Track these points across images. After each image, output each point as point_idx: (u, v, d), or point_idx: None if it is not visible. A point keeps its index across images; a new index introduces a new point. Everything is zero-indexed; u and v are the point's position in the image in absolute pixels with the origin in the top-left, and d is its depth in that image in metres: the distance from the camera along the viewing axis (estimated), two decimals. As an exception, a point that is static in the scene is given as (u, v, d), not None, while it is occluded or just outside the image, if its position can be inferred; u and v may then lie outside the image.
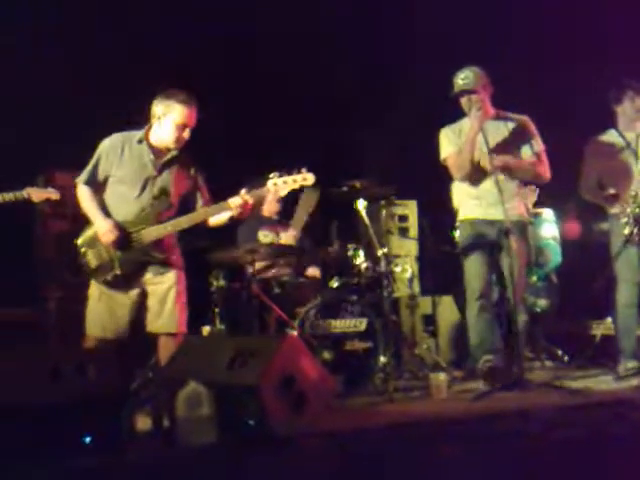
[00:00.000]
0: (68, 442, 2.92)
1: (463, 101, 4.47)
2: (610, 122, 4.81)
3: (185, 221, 3.83)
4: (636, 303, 4.62)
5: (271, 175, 3.81)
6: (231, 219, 3.91)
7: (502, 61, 5.39)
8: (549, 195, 5.66)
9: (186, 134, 3.85)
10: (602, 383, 4.37)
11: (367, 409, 3.95)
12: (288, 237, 5.13)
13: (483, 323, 4.45)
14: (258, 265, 4.65)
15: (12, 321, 4.63)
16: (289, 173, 3.81)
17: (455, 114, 4.59)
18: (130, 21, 5.44)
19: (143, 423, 3.43)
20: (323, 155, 5.90)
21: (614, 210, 4.68)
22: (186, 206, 3.93)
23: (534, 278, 5.53)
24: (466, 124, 4.52)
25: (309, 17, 5.95)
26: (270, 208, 5.23)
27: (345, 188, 4.59)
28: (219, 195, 3.94)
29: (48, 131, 5.05)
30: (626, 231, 4.52)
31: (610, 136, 4.78)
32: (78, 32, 5.29)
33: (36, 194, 4.29)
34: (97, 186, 3.87)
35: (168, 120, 3.81)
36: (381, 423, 3.52)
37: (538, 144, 4.56)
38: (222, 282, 4.78)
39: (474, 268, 4.48)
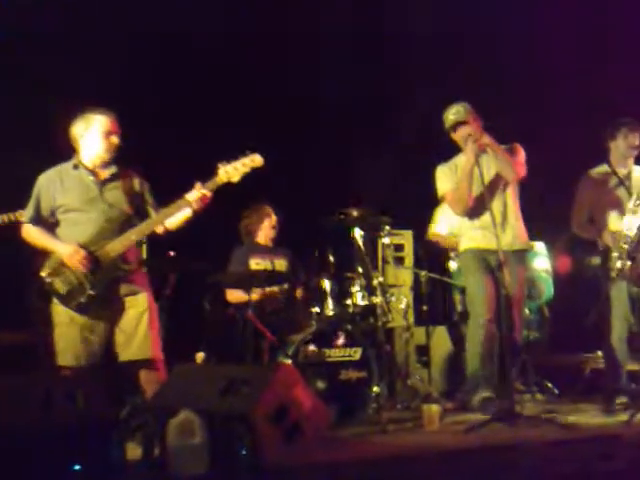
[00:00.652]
0: (58, 471, 2.90)
1: (457, 136, 4.54)
2: (603, 156, 4.87)
3: (146, 227, 3.83)
4: (625, 338, 4.65)
5: (219, 164, 3.81)
6: (192, 215, 3.87)
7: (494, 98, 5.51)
8: (541, 229, 5.72)
9: (114, 140, 3.86)
10: (592, 417, 4.36)
11: (360, 440, 3.94)
12: (281, 264, 5.17)
13: (487, 351, 4.46)
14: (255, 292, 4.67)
15: (8, 344, 4.60)
16: (236, 158, 3.82)
17: (449, 146, 4.66)
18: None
19: (133, 452, 3.39)
20: (318, 184, 5.98)
21: (604, 245, 4.72)
22: (140, 217, 3.91)
23: (526, 311, 5.54)
24: (461, 160, 4.59)
25: (306, 46, 6.02)
26: (265, 234, 5.25)
27: (342, 217, 4.63)
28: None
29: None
30: (618, 265, 4.56)
31: (602, 170, 4.85)
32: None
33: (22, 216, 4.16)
34: (43, 223, 3.86)
35: (92, 134, 3.84)
36: (374, 455, 3.52)
37: (521, 159, 4.61)
38: (215, 307, 4.78)
39: (480, 292, 4.50)
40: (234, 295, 4.93)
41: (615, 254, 4.60)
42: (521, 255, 4.63)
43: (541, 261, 5.69)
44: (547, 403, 5.13)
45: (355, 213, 4.65)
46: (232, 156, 3.82)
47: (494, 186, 4.55)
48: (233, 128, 5.57)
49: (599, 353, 5.50)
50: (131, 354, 3.78)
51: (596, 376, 5.37)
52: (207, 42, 5.77)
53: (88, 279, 3.73)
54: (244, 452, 3.06)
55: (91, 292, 3.73)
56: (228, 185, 3.84)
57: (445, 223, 5.44)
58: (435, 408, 4.18)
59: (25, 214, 3.91)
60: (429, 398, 4.96)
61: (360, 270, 4.81)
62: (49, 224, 3.87)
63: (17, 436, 2.80)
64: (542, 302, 5.69)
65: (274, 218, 5.26)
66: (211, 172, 3.84)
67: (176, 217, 3.89)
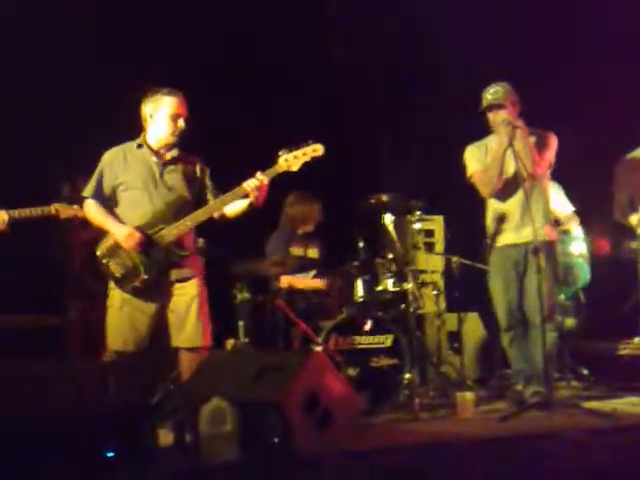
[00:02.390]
0: (92, 457, 2.90)
1: (490, 116, 4.42)
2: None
3: (202, 213, 3.79)
4: None
5: (280, 152, 3.78)
6: (250, 206, 3.84)
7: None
8: (579, 212, 5.61)
9: (181, 124, 3.83)
10: (630, 405, 4.27)
11: (393, 427, 3.91)
12: (314, 252, 5.14)
13: (517, 352, 4.44)
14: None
15: (35, 327, 4.63)
16: (297, 147, 3.79)
17: (480, 130, 4.56)
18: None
19: (165, 438, 3.39)
20: (349, 170, 5.91)
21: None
22: (198, 203, 3.88)
23: (562, 297, 5.44)
24: (492, 141, 4.48)
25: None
26: (305, 228, 5.21)
27: (372, 201, 4.56)
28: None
29: (68, 136, 5.06)
30: None
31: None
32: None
33: (64, 210, 4.20)
34: (104, 199, 3.85)
35: (161, 115, 3.82)
36: (408, 442, 3.48)
37: (549, 153, 4.46)
38: (246, 295, 4.75)
39: (499, 298, 4.47)
40: (287, 281, 4.88)
41: None
42: (548, 248, 4.45)
43: (578, 246, 5.57)
44: (583, 390, 5.04)
45: (385, 198, 4.58)
46: (294, 144, 3.79)
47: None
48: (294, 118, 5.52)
49: (636, 339, 5.39)
50: (181, 341, 3.77)
51: (633, 363, 5.25)
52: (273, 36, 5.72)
53: (143, 263, 3.72)
54: (276, 439, 3.03)
55: (145, 276, 3.71)
56: (287, 173, 3.82)
57: None
58: (469, 396, 4.13)
59: (86, 189, 3.89)
60: (463, 386, 4.89)
61: (390, 256, 4.75)
62: (108, 202, 3.86)
63: (50, 423, 2.80)
64: (578, 287, 5.57)
65: (319, 215, 5.20)
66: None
67: (234, 205, 3.86)
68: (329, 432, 3.11)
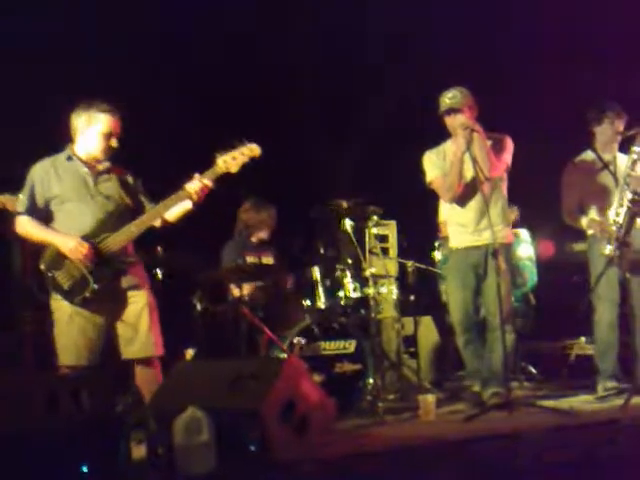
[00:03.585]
0: (65, 472, 2.84)
1: (449, 120, 4.48)
2: (586, 142, 4.86)
3: (147, 217, 3.75)
4: (617, 323, 4.65)
5: (217, 154, 3.76)
6: (192, 207, 3.82)
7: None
8: (525, 215, 5.76)
9: (113, 143, 3.79)
10: (584, 403, 4.38)
11: (361, 432, 3.92)
12: (268, 260, 5.14)
13: (472, 353, 4.52)
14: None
15: None
16: (234, 147, 3.77)
17: (432, 132, 4.62)
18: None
19: (137, 452, 3.32)
20: (299, 175, 5.93)
21: (592, 231, 4.74)
22: (136, 211, 3.84)
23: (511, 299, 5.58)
24: (449, 146, 4.56)
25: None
26: (260, 236, 5.19)
27: (331, 207, 4.59)
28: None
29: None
30: (607, 251, 4.56)
31: (588, 157, 4.84)
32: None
33: (11, 203, 3.95)
34: (39, 213, 3.76)
35: (93, 131, 3.76)
36: (377, 447, 3.50)
37: (506, 156, 4.57)
38: (206, 304, 4.71)
39: (457, 300, 4.54)
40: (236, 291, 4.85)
41: (604, 240, 4.58)
42: (505, 250, 4.53)
43: (525, 248, 5.72)
44: (535, 390, 5.17)
45: (345, 204, 4.61)
46: (229, 145, 3.76)
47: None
48: (225, 120, 5.47)
49: (583, 339, 5.57)
50: (132, 352, 3.72)
51: (580, 362, 5.42)
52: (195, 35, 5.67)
53: (92, 273, 3.65)
54: (253, 448, 3.01)
55: (95, 286, 3.64)
56: (227, 175, 3.78)
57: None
58: (430, 398, 4.18)
59: (19, 205, 3.77)
60: (422, 388, 4.96)
61: (349, 261, 4.78)
62: (43, 216, 3.76)
63: (22, 437, 2.71)
64: (527, 289, 5.73)
65: (273, 221, 5.21)
66: (208, 164, 3.78)
67: (176, 209, 3.82)
68: (306, 439, 3.12)
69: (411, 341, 5.58)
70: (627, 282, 4.53)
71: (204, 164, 3.79)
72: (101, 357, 3.73)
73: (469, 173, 4.41)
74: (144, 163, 4.01)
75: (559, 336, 5.79)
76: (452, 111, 4.42)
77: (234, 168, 3.75)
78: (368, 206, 4.74)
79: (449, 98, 4.43)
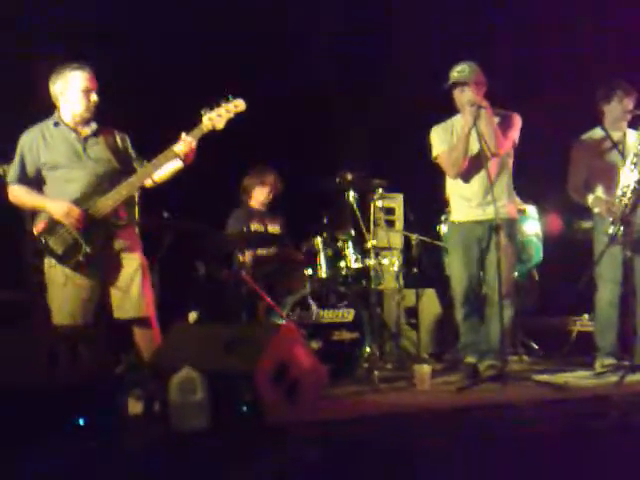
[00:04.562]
0: (62, 425, 2.94)
1: (456, 94, 4.48)
2: (596, 120, 4.85)
3: (136, 180, 3.78)
4: (617, 302, 4.68)
5: (202, 111, 3.78)
6: (182, 167, 3.85)
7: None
8: (532, 191, 5.75)
9: (94, 98, 3.83)
10: (580, 379, 4.45)
11: (355, 399, 3.99)
12: (275, 229, 5.20)
13: (469, 326, 4.56)
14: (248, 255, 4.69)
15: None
16: (219, 104, 3.79)
17: (442, 110, 4.62)
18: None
19: (134, 407, 3.45)
20: (309, 146, 5.95)
21: (598, 210, 4.75)
22: (125, 172, 3.86)
23: (515, 274, 5.60)
24: (457, 121, 4.56)
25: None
26: (258, 198, 5.24)
27: (337, 179, 4.63)
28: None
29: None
30: (610, 230, 4.58)
31: (596, 135, 4.84)
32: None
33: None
34: (29, 182, 3.82)
35: (71, 91, 3.80)
36: (369, 413, 3.58)
37: (513, 133, 4.57)
38: (209, 269, 4.79)
39: (459, 274, 4.56)
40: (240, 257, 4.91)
41: (609, 219, 4.60)
42: (509, 226, 4.55)
43: (532, 225, 5.70)
44: (534, 364, 5.23)
45: (349, 176, 4.65)
46: (214, 102, 3.77)
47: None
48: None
49: (585, 316, 5.60)
50: (125, 312, 3.80)
51: (582, 338, 5.46)
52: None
53: (84, 237, 3.71)
54: (245, 409, 3.10)
55: (88, 250, 3.71)
56: (213, 132, 3.78)
57: None
58: (426, 368, 4.25)
59: (9, 175, 3.85)
60: (418, 359, 5.03)
61: (353, 233, 4.84)
62: (34, 183, 3.83)
63: (21, 393, 2.82)
64: (531, 266, 5.73)
65: (272, 184, 5.23)
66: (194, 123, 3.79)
67: (165, 169, 3.85)
68: (297, 403, 3.20)
69: (413, 312, 5.65)
70: (630, 261, 4.57)
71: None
72: (102, 317, 3.81)
73: (475, 149, 4.43)
74: (132, 121, 4.03)
75: (563, 312, 5.82)
76: (459, 84, 4.42)
77: (220, 125, 3.77)
78: (372, 179, 4.78)
79: (457, 72, 4.42)
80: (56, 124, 3.84)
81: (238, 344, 3.21)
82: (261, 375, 3.10)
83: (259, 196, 5.23)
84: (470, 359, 4.53)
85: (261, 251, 4.94)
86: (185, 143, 3.75)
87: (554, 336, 5.72)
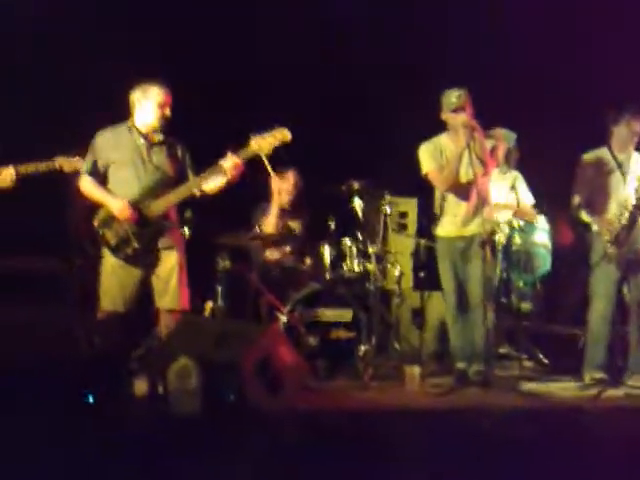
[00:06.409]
0: (72, 399, 3.36)
1: (450, 118, 4.70)
2: (604, 138, 4.99)
3: (185, 189, 4.25)
4: (611, 318, 4.84)
5: (251, 135, 4.18)
6: (227, 184, 4.24)
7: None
8: (543, 203, 5.89)
9: (167, 112, 4.28)
10: (566, 389, 4.61)
11: (341, 393, 4.32)
12: (296, 225, 5.45)
13: (458, 330, 4.79)
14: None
15: (40, 271, 4.94)
16: (267, 131, 4.18)
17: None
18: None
19: (140, 388, 3.86)
20: (324, 155, 6.13)
21: (597, 228, 4.92)
22: (180, 180, 4.32)
23: (520, 283, 5.77)
24: (443, 139, 4.79)
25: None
26: (282, 200, 5.46)
27: (343, 187, 4.98)
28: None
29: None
30: (607, 250, 4.76)
31: (602, 154, 4.98)
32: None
33: (67, 164, 4.48)
34: (98, 176, 4.30)
35: (148, 102, 4.26)
36: (348, 407, 3.94)
37: (499, 153, 4.89)
38: (227, 263, 5.14)
39: (448, 283, 4.80)
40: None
41: (607, 238, 4.78)
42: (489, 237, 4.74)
43: (541, 236, 5.79)
44: (533, 371, 5.30)
45: (356, 185, 4.98)
46: (263, 128, 4.16)
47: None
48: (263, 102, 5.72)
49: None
50: (165, 302, 4.25)
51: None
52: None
53: (135, 233, 4.20)
54: (232, 397, 3.48)
55: (136, 245, 4.19)
56: (258, 157, 4.20)
57: None
58: (416, 369, 4.51)
59: (83, 167, 4.34)
60: (417, 360, 5.28)
61: (360, 237, 5.14)
62: (102, 178, 4.31)
63: (35, 367, 3.22)
64: (537, 276, 5.82)
65: (291, 184, 5.44)
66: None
67: (212, 182, 4.27)
68: (278, 394, 3.57)
69: (419, 314, 5.86)
70: (625, 281, 4.76)
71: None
72: (137, 304, 4.28)
73: (464, 169, 4.69)
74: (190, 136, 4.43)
75: (575, 323, 5.91)
76: (457, 109, 4.66)
77: (266, 150, 4.19)
78: (378, 189, 5.07)
79: (456, 97, 4.65)
80: (129, 129, 4.32)
81: (229, 338, 3.59)
82: (246, 366, 3.48)
83: (280, 197, 5.53)
84: (460, 364, 4.74)
85: (271, 253, 5.27)
86: (232, 161, 4.17)
87: (560, 345, 5.83)
